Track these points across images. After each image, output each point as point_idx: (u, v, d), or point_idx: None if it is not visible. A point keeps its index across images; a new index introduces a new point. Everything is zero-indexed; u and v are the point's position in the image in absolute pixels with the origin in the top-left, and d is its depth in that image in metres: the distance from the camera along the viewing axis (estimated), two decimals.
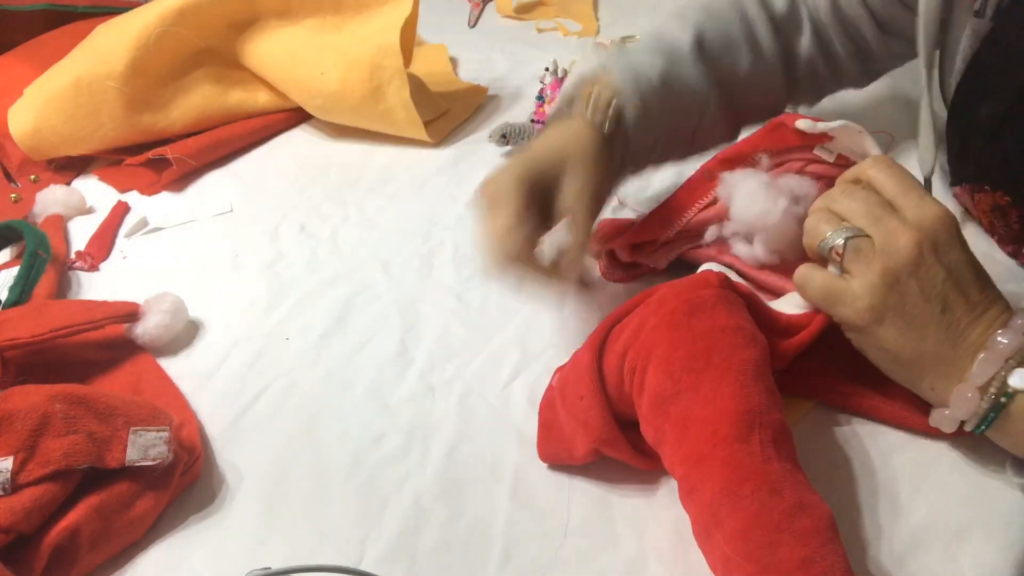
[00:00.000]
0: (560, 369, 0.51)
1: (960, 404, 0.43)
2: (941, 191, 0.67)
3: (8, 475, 0.44)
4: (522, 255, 0.51)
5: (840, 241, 0.45)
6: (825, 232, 0.46)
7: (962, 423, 0.44)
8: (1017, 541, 0.44)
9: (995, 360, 0.42)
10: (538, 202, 0.53)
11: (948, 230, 0.44)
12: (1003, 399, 0.42)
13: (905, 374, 0.46)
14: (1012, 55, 0.54)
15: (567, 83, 0.62)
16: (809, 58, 0.65)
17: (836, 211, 0.46)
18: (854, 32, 0.65)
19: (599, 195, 0.56)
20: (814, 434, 0.50)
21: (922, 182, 0.56)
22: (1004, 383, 0.42)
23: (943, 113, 0.62)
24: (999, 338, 0.42)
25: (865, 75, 0.69)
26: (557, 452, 0.49)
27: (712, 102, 0.61)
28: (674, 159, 0.64)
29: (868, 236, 0.45)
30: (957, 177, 0.63)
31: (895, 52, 0.66)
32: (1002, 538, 0.44)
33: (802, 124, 0.56)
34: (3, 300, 0.61)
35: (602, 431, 0.46)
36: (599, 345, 0.48)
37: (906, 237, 0.43)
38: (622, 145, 0.58)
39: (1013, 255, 0.62)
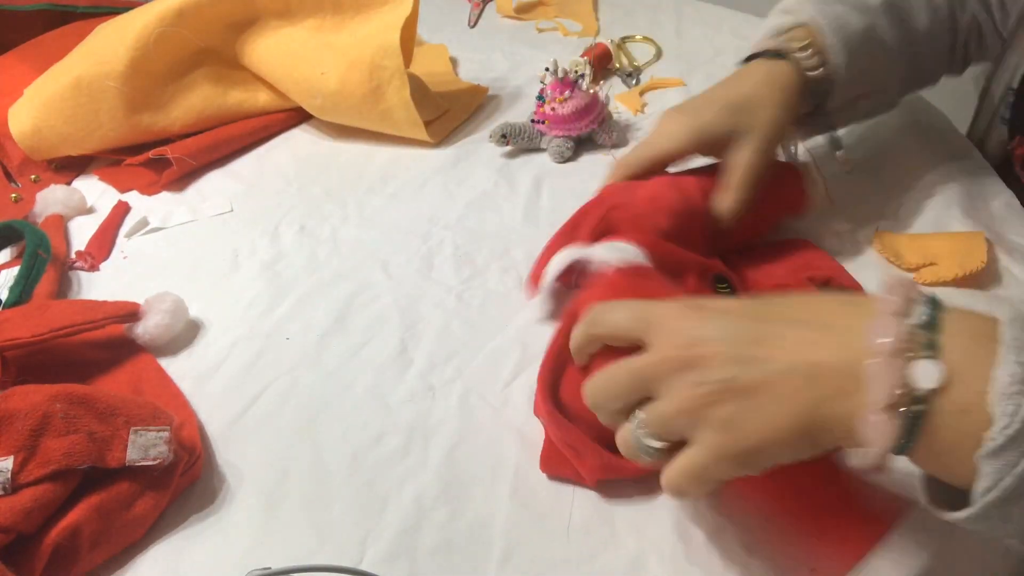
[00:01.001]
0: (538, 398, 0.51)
1: (876, 437, 0.34)
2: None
3: (8, 475, 0.44)
4: None
5: (651, 443, 0.38)
6: (629, 434, 0.39)
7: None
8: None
9: (885, 366, 0.33)
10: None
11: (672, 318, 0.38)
12: (915, 409, 0.33)
13: (804, 441, 0.36)
14: None
15: (770, 22, 0.63)
16: (967, 27, 0.66)
17: (609, 396, 0.40)
18: (989, 8, 0.66)
19: (773, 145, 0.58)
20: None
21: None
22: (909, 388, 0.33)
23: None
24: (877, 339, 0.34)
25: (992, 52, 0.69)
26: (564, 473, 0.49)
27: (903, 62, 0.63)
28: (880, 107, 0.66)
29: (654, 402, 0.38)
30: (1018, 128, 0.64)
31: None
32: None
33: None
34: (3, 300, 0.61)
35: (600, 472, 0.47)
36: (550, 394, 0.49)
37: (665, 367, 0.37)
38: (823, 97, 0.60)
39: None
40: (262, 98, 0.85)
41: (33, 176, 0.79)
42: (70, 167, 0.81)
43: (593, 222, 0.58)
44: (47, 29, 0.93)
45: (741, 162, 0.57)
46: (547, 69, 0.78)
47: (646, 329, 0.39)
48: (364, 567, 0.45)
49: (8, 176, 0.80)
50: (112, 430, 0.46)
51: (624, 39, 0.98)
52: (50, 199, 0.74)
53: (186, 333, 0.61)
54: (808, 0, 0.62)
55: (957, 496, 0.34)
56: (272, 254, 0.69)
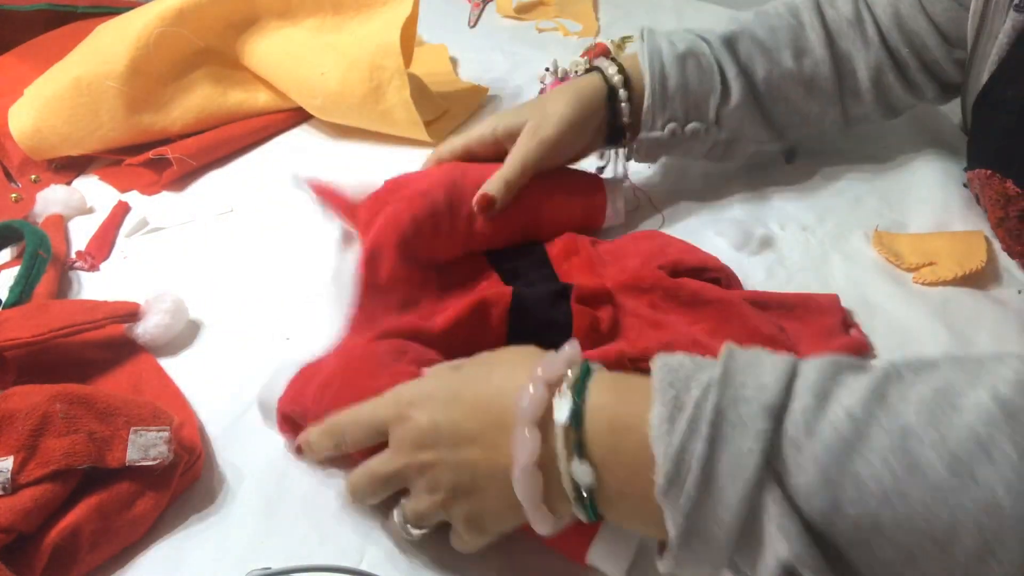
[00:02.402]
0: None
1: (552, 525, 0.38)
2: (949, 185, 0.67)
3: (8, 475, 0.44)
4: None
5: (415, 532, 0.44)
6: (394, 526, 0.45)
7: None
8: None
9: (530, 479, 0.37)
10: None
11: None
12: (585, 499, 0.36)
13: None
14: None
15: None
16: (876, 67, 0.66)
17: (367, 496, 0.45)
18: (920, 45, 0.65)
19: (552, 138, 0.62)
20: None
21: None
22: (576, 486, 0.36)
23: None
24: (521, 455, 0.37)
25: (942, 90, 0.68)
26: None
27: (736, 92, 0.63)
28: (712, 155, 0.67)
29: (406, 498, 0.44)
30: (973, 162, 0.64)
31: (959, 59, 0.65)
32: None
33: None
34: (3, 300, 0.61)
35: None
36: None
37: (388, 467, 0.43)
38: (622, 98, 0.63)
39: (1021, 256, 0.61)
40: (262, 98, 0.85)
41: (33, 176, 0.79)
42: (70, 167, 0.81)
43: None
44: (47, 29, 0.93)
45: (514, 149, 0.62)
46: (547, 69, 0.78)
47: (381, 432, 0.43)
48: (364, 567, 0.45)
49: (8, 176, 0.80)
50: (112, 430, 0.46)
51: (624, 39, 0.98)
52: (50, 199, 0.74)
53: (186, 333, 0.61)
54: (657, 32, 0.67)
55: None
56: (272, 254, 0.69)
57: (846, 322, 0.58)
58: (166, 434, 0.47)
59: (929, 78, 0.67)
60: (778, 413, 0.32)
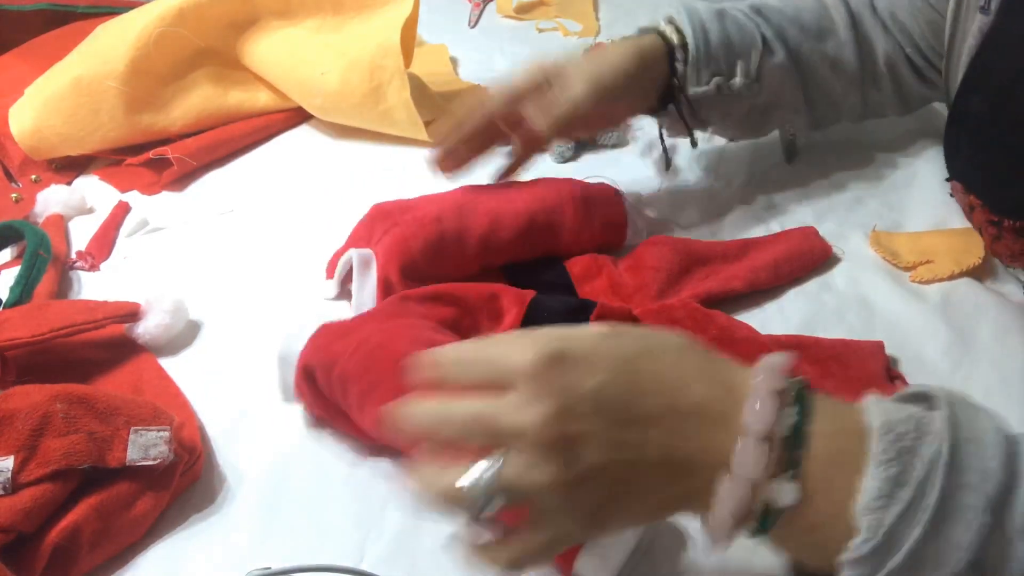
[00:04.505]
0: None
1: (723, 537, 0.33)
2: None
3: (8, 475, 0.44)
4: None
5: (498, 500, 0.33)
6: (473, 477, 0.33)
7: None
8: None
9: (742, 490, 0.32)
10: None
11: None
12: (770, 519, 0.32)
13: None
14: (1008, 50, 0.55)
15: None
16: (891, 55, 0.66)
17: (455, 430, 0.35)
18: (916, 46, 0.66)
19: (602, 85, 0.60)
20: None
21: None
22: (764, 502, 0.32)
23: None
24: (739, 463, 0.32)
25: (928, 88, 0.69)
26: None
27: (776, 50, 0.64)
28: (747, 123, 0.67)
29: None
30: (950, 173, 0.64)
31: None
32: None
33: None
34: (4, 300, 0.61)
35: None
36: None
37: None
38: (679, 58, 0.63)
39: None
40: (262, 98, 0.85)
41: (34, 176, 0.79)
42: (70, 167, 0.81)
43: (382, 228, 0.60)
44: (47, 29, 0.93)
45: (569, 88, 0.59)
46: None
47: (508, 375, 0.34)
48: (364, 567, 0.45)
49: (9, 176, 0.80)
50: (112, 430, 0.46)
51: (624, 39, 0.97)
52: (51, 199, 0.74)
53: (186, 333, 0.61)
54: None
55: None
56: (272, 254, 0.69)
57: (890, 372, 0.54)
58: (166, 434, 0.47)
59: (937, 78, 0.67)
60: (999, 507, 0.30)
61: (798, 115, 0.69)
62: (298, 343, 0.50)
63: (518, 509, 0.34)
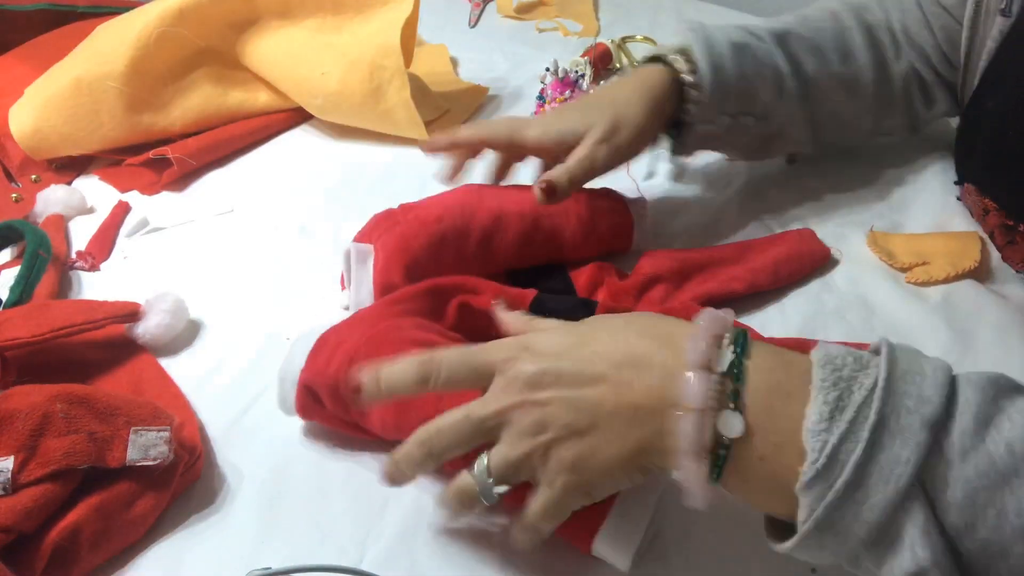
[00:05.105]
0: None
1: (692, 480, 0.36)
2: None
3: (9, 475, 0.44)
4: None
5: (499, 490, 0.40)
6: (469, 482, 0.41)
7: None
8: None
9: (693, 420, 0.35)
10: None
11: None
12: (721, 453, 0.36)
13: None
14: None
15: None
16: (904, 76, 0.66)
17: (451, 445, 0.41)
18: (927, 60, 0.66)
19: (618, 139, 0.58)
20: None
21: None
22: (715, 435, 0.35)
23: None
24: (685, 395, 0.36)
25: (955, 103, 0.68)
26: None
27: (789, 87, 0.62)
28: (749, 150, 0.65)
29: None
30: (961, 176, 0.64)
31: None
32: None
33: None
34: (4, 300, 0.61)
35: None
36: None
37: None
38: (692, 98, 0.60)
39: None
40: (262, 98, 0.85)
41: (34, 176, 0.79)
42: (70, 167, 0.81)
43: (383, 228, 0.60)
44: (47, 29, 0.93)
45: (585, 149, 0.58)
46: (547, 69, 0.78)
47: (482, 375, 0.41)
48: (364, 567, 0.45)
49: (9, 176, 0.80)
50: (112, 430, 0.46)
51: (624, 39, 0.98)
52: (51, 199, 0.74)
53: (186, 333, 0.61)
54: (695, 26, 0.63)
55: (788, 526, 0.36)
56: (272, 254, 0.69)
57: None
58: (166, 434, 0.47)
59: (945, 92, 0.67)
60: (937, 429, 0.33)
61: (800, 146, 0.69)
62: (297, 361, 0.50)
63: (523, 488, 0.40)
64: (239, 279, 0.66)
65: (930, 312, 0.59)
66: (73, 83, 0.77)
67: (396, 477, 0.43)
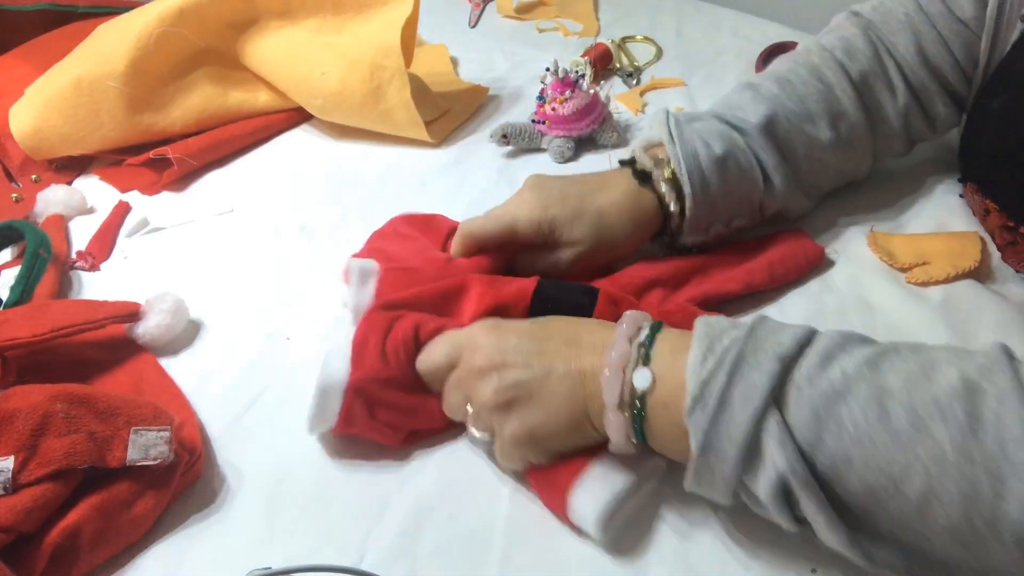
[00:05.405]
0: None
1: (614, 430, 0.44)
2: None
3: (9, 475, 0.44)
4: None
5: (477, 434, 0.49)
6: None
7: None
8: None
9: (613, 375, 0.43)
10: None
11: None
12: (638, 404, 0.43)
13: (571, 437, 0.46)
14: None
15: (636, 145, 0.63)
16: (904, 111, 0.64)
17: (450, 409, 0.50)
18: (945, 79, 0.64)
19: (595, 257, 0.60)
20: None
21: None
22: (633, 390, 0.43)
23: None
24: (610, 354, 0.44)
25: (958, 116, 0.67)
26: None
27: (779, 181, 0.61)
28: (742, 226, 0.63)
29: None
30: (964, 174, 0.64)
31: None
32: None
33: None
34: (4, 300, 0.61)
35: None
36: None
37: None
38: (678, 213, 0.60)
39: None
40: (262, 98, 0.85)
41: (34, 176, 0.79)
42: (71, 167, 0.81)
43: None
44: (47, 29, 0.93)
45: (555, 262, 0.60)
46: (547, 69, 0.78)
47: (459, 353, 0.49)
48: (364, 567, 0.45)
49: (9, 176, 0.80)
50: (113, 430, 0.46)
51: (624, 39, 0.98)
52: (51, 199, 0.74)
53: (186, 333, 0.61)
54: (685, 120, 0.61)
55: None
56: (272, 254, 0.69)
57: None
58: (166, 434, 0.47)
59: (953, 110, 0.66)
60: (788, 362, 0.40)
61: (806, 208, 0.67)
62: (339, 370, 0.49)
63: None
64: (239, 279, 0.67)
65: (930, 312, 0.59)
66: (73, 83, 0.77)
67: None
